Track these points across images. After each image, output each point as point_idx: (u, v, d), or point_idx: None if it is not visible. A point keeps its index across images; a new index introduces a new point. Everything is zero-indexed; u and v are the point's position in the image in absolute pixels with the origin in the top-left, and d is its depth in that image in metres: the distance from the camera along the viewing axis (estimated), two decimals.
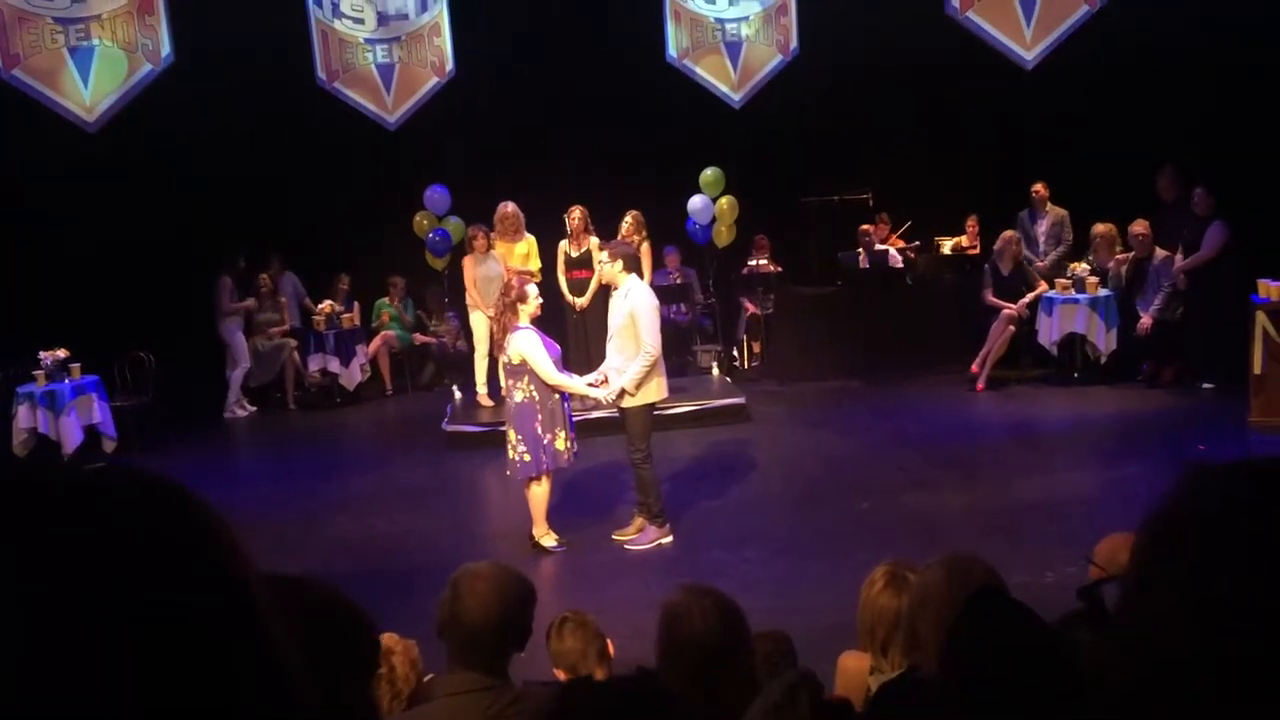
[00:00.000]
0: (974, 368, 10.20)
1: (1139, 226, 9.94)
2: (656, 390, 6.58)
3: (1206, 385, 9.34)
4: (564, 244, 9.72)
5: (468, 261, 9.96)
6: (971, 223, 12.11)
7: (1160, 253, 9.87)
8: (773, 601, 5.53)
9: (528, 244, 9.90)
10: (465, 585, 2.71)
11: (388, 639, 2.90)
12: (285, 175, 11.33)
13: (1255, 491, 0.82)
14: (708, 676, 2.39)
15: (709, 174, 11.10)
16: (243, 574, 0.78)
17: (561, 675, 3.12)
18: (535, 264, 9.80)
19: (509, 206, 9.87)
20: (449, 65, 12.20)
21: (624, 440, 6.73)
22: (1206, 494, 0.83)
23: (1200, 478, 0.84)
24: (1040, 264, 10.72)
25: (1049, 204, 10.94)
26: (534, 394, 6.31)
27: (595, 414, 8.29)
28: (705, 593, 2.53)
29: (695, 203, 11.16)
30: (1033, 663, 1.74)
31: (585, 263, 9.45)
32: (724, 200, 11.07)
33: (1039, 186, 10.91)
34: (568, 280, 9.68)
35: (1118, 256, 10.22)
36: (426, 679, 2.88)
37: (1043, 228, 10.94)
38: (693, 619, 2.43)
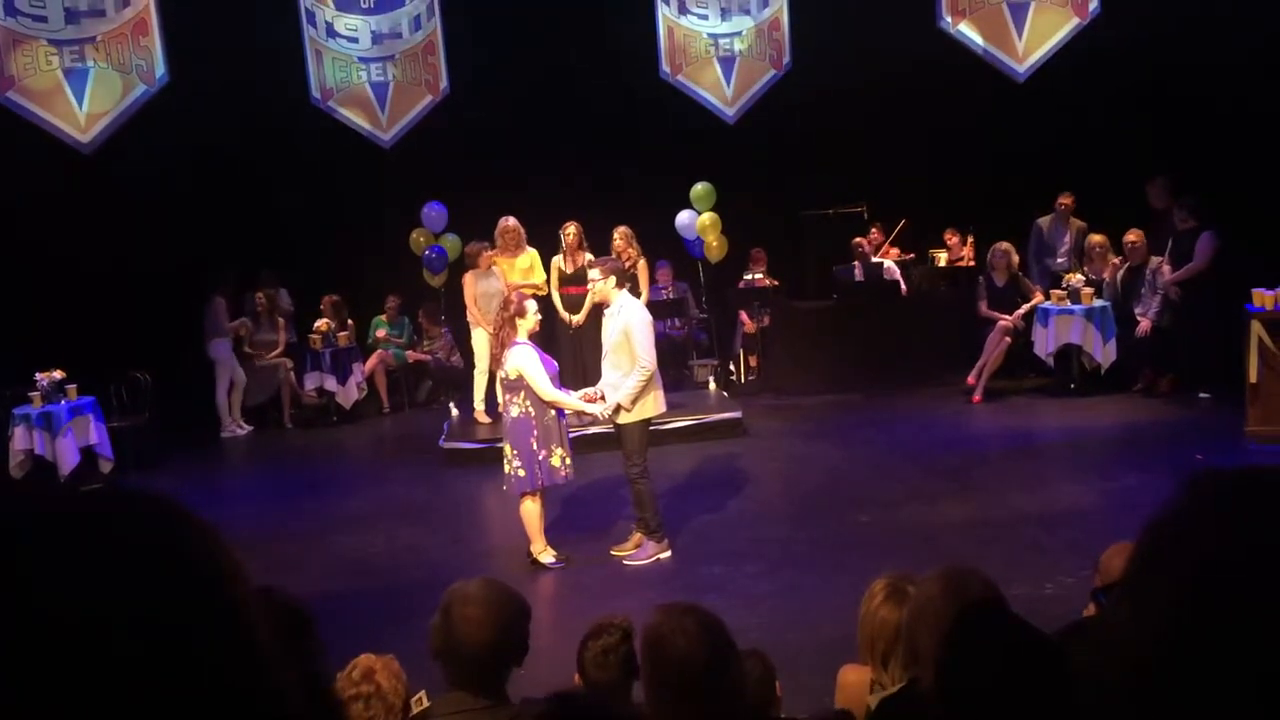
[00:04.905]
0: (970, 379, 10.21)
1: (1133, 235, 9.99)
2: (653, 405, 6.57)
3: (1203, 395, 9.35)
4: (558, 260, 9.71)
5: (468, 278, 9.93)
6: (949, 234, 12.11)
7: (1155, 259, 9.91)
8: (772, 615, 5.53)
9: (529, 258, 9.90)
10: (458, 609, 2.70)
11: (366, 659, 2.88)
12: (280, 195, 11.35)
13: (1257, 497, 0.82)
14: (697, 695, 2.36)
15: (699, 189, 11.13)
16: (241, 594, 0.78)
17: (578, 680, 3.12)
18: (539, 276, 9.80)
19: (509, 221, 9.87)
20: (443, 83, 12.24)
21: (621, 456, 6.72)
22: (1207, 499, 0.83)
23: (1201, 483, 0.84)
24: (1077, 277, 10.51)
25: (1071, 216, 10.92)
26: (530, 409, 6.31)
27: (593, 430, 8.29)
28: (685, 611, 2.49)
29: (682, 218, 11.21)
30: (1028, 674, 1.73)
31: (579, 279, 9.45)
32: (706, 216, 11.10)
33: (1068, 199, 10.84)
34: (561, 296, 9.67)
35: (1114, 262, 10.24)
36: (429, 703, 2.87)
37: (1066, 239, 10.90)
38: (676, 640, 2.39)
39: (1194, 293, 9.57)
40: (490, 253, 9.84)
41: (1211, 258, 9.48)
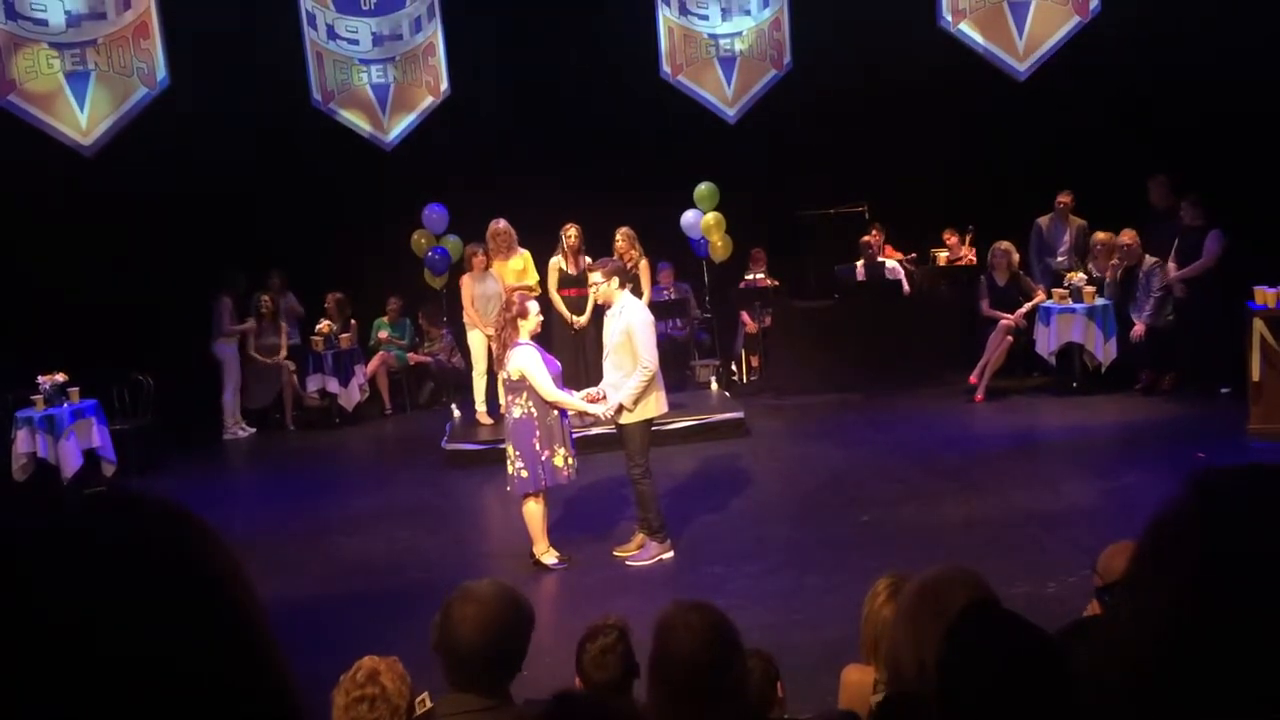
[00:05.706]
0: (972, 378, 10.21)
1: (1126, 236, 9.99)
2: (655, 405, 6.57)
3: (1224, 389, 9.26)
4: (558, 261, 9.68)
5: (466, 280, 9.96)
6: (948, 234, 12.10)
7: (1149, 259, 9.90)
8: (775, 615, 5.53)
9: (522, 259, 9.92)
10: (457, 608, 2.70)
11: (370, 661, 2.89)
12: (282, 196, 11.35)
13: (1257, 497, 0.82)
14: (698, 693, 2.37)
15: (702, 188, 11.14)
16: (241, 595, 0.79)
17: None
18: (532, 278, 9.81)
19: (500, 223, 9.90)
20: (444, 84, 12.25)
21: (623, 456, 6.72)
22: (1209, 499, 0.84)
23: (1203, 482, 0.84)
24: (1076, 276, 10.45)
25: (1070, 214, 10.91)
26: (532, 410, 6.31)
27: (595, 430, 8.28)
28: (693, 608, 2.50)
29: (687, 218, 11.23)
30: (1029, 674, 1.73)
31: (581, 281, 9.43)
32: (710, 215, 11.10)
33: (1066, 197, 10.82)
34: (563, 298, 9.66)
35: (1113, 263, 10.24)
36: (429, 703, 2.87)
37: (1067, 238, 10.89)
38: (679, 634, 2.40)
39: (1200, 291, 9.55)
40: (481, 256, 9.85)
41: (1219, 256, 9.47)
